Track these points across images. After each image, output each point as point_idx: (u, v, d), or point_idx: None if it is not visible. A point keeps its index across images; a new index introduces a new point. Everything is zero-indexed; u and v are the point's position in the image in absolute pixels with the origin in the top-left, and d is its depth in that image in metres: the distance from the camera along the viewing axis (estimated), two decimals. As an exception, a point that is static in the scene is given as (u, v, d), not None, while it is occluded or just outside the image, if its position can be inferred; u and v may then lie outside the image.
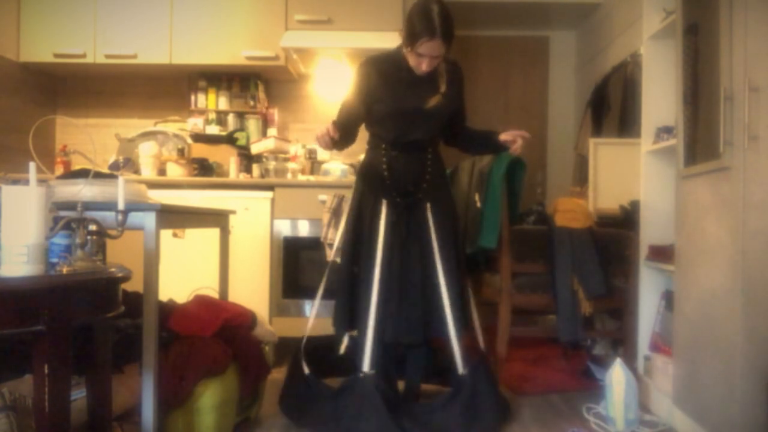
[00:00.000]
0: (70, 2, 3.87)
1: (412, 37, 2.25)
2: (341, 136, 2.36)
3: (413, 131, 2.41)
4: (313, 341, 2.61)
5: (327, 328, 2.59)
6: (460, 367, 2.40)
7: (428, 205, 2.45)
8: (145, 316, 1.93)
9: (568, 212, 3.12)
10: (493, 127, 2.61)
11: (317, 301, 2.60)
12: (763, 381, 1.95)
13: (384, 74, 2.39)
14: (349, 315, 2.45)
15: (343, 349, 2.66)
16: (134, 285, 1.84)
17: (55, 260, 1.54)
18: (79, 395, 1.78)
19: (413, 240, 2.42)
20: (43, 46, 3.87)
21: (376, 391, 2.25)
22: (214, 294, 2.64)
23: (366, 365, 2.32)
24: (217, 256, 2.80)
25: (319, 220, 3.40)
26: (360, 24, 3.81)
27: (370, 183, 2.47)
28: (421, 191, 2.44)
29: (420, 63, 2.29)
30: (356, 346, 2.42)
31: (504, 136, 2.46)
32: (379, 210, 2.43)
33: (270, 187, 3.52)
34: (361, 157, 2.62)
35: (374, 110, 2.40)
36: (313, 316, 2.65)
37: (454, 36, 2.27)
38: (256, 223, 3.47)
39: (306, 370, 2.49)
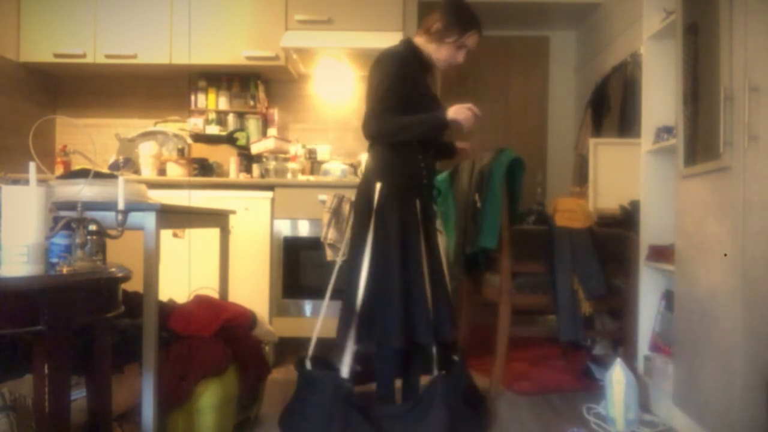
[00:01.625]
0: (70, 2, 3.87)
1: (461, 28, 2.35)
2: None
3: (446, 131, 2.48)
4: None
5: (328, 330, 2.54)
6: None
7: (432, 205, 2.51)
8: (145, 316, 1.93)
9: (568, 212, 3.12)
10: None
11: (326, 302, 2.50)
12: (763, 381, 1.95)
13: (419, 72, 2.41)
14: (407, 326, 2.29)
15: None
16: (134, 285, 1.84)
17: (55, 260, 1.54)
18: (79, 395, 1.78)
19: (429, 240, 2.44)
20: (43, 46, 3.87)
21: (350, 396, 2.23)
22: (214, 294, 2.64)
23: (345, 371, 2.27)
24: (217, 256, 2.80)
25: (319, 220, 3.40)
26: (360, 24, 3.81)
27: (408, 183, 2.38)
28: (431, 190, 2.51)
29: (458, 55, 2.39)
30: (338, 349, 2.34)
31: (460, 145, 2.65)
32: (416, 210, 2.38)
33: (270, 187, 3.52)
34: (363, 156, 2.60)
35: (421, 104, 2.32)
36: (321, 319, 2.53)
37: None
38: (256, 223, 3.47)
39: (308, 366, 2.43)
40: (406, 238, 2.33)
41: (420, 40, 2.41)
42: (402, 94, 2.29)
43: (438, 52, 2.37)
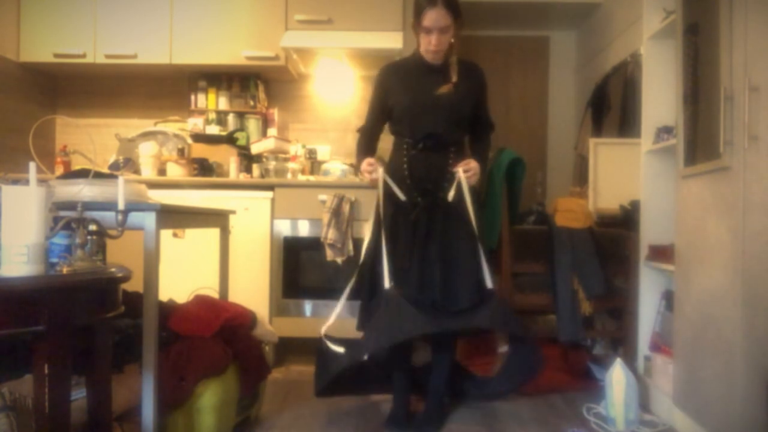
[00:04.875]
0: (70, 2, 3.87)
1: (416, 13, 2.34)
2: (371, 145, 2.61)
3: (428, 123, 2.43)
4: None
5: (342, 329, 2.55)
6: (489, 282, 2.42)
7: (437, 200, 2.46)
8: (145, 316, 1.93)
9: (568, 212, 3.12)
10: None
11: (342, 300, 2.54)
12: (763, 381, 1.95)
13: (399, 75, 2.50)
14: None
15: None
16: (134, 285, 1.84)
17: (55, 260, 1.54)
18: (79, 395, 1.78)
19: (433, 239, 2.42)
20: (43, 46, 3.87)
21: (403, 298, 2.28)
22: (214, 294, 2.64)
23: (387, 282, 2.33)
24: (217, 256, 2.80)
25: (319, 220, 3.40)
26: (360, 24, 3.81)
27: (392, 174, 2.49)
28: (441, 190, 2.45)
29: (429, 40, 2.34)
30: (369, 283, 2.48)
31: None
32: (401, 208, 2.46)
33: (270, 187, 3.52)
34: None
35: (394, 110, 2.49)
36: (335, 316, 2.56)
37: (459, 8, 2.33)
38: (256, 223, 3.47)
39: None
40: (386, 223, 2.47)
41: None
42: (381, 105, 2.54)
43: (420, 47, 2.42)
